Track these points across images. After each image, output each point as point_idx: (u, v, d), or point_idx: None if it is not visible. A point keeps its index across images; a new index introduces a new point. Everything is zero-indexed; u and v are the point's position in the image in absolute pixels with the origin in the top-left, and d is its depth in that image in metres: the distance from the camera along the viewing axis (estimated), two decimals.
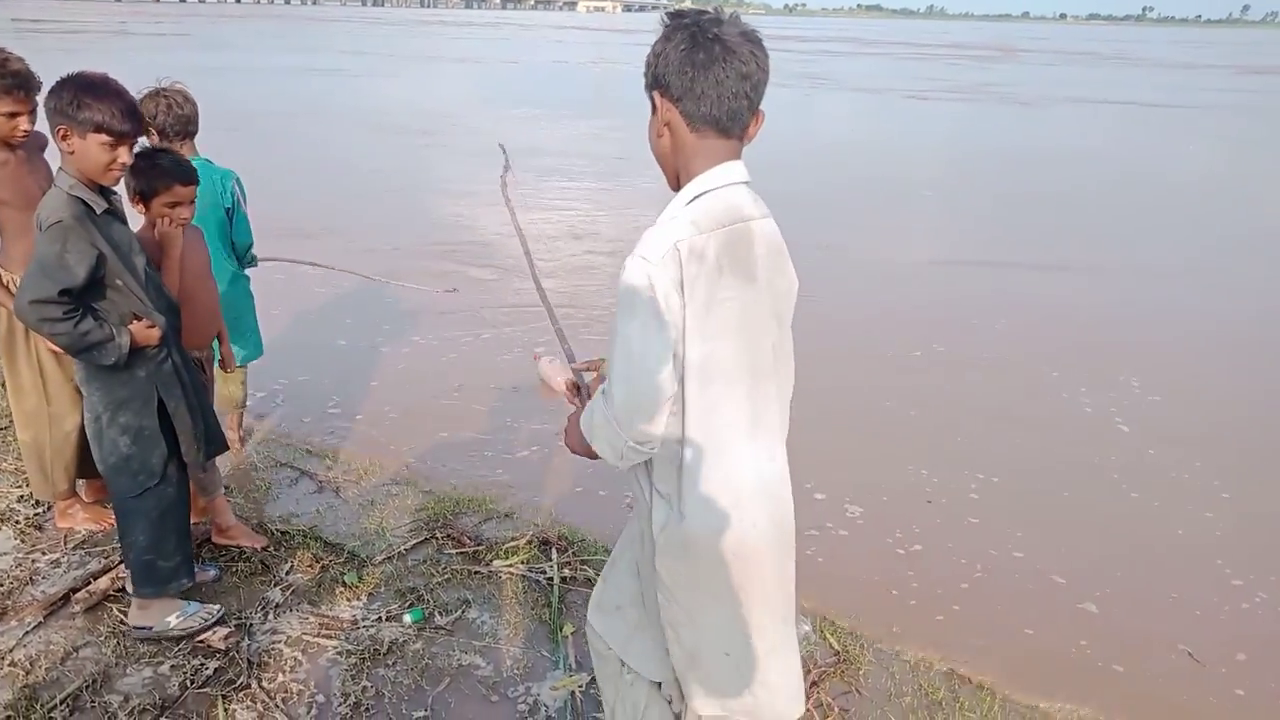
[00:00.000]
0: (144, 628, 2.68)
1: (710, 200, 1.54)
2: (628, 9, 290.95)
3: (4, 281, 2.85)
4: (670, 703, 1.85)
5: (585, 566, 3.09)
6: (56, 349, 2.81)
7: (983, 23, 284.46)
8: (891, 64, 39.53)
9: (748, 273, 1.55)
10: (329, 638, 2.73)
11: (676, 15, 1.54)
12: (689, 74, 1.50)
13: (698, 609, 1.67)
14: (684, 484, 1.60)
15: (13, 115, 2.74)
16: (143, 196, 2.75)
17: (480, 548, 3.19)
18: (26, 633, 2.69)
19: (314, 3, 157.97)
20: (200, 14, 67.65)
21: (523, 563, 3.10)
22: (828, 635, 2.85)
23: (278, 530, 3.24)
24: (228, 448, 2.91)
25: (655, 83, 1.56)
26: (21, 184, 2.79)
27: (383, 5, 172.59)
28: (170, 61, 23.23)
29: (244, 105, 15.75)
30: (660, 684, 1.85)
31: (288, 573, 3.02)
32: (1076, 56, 52.36)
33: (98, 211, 2.34)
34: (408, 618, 2.81)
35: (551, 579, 3.00)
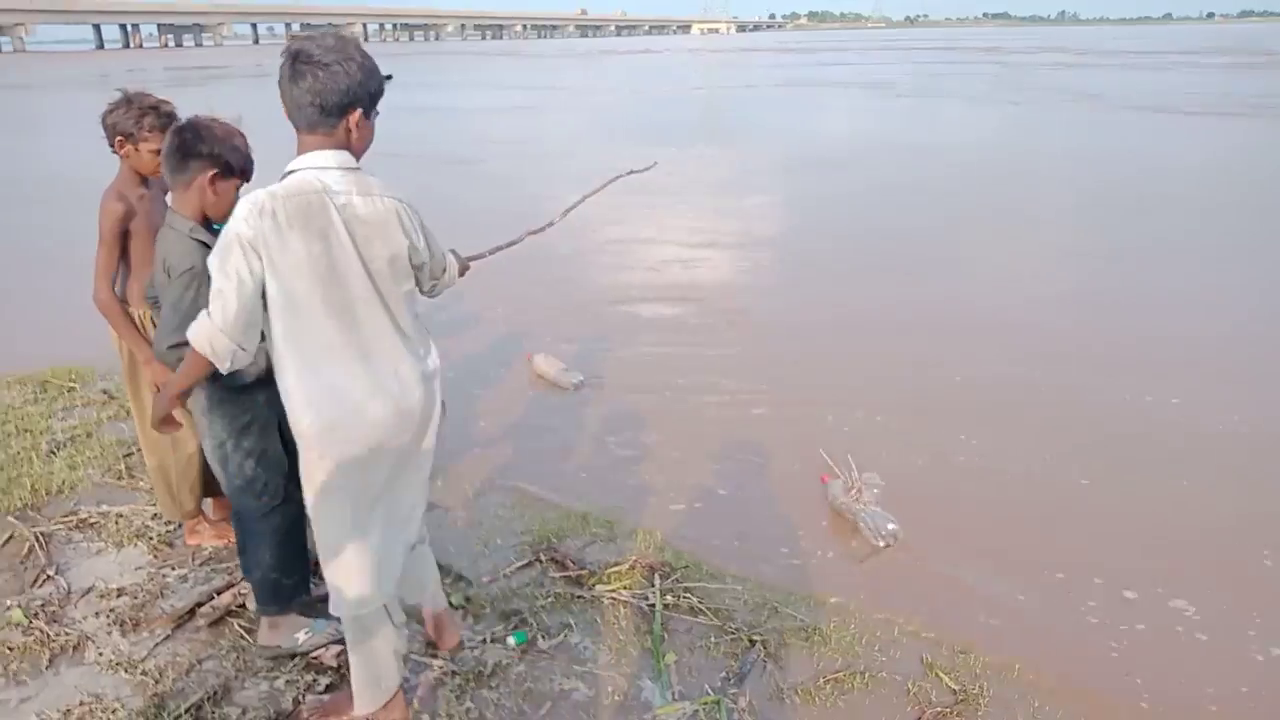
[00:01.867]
0: (275, 646, 2.78)
1: (294, 177, 1.99)
2: (741, 29, 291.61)
3: (136, 320, 3.03)
4: None
5: (689, 594, 3.03)
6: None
7: (1121, 27, 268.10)
8: (1142, 76, 33.68)
9: (318, 231, 1.96)
10: (435, 657, 2.76)
11: (292, 40, 2.01)
12: (282, 89, 1.99)
13: (311, 497, 2.14)
14: (287, 392, 2.05)
15: (159, 152, 2.94)
16: None
17: (583, 572, 3.17)
18: (156, 644, 2.83)
19: (436, 38, 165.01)
20: None
21: (625, 588, 3.06)
22: None
23: None
24: None
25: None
26: (152, 219, 2.97)
27: (500, 38, 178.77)
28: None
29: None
30: None
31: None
32: None
33: None
34: (511, 640, 2.81)
35: (654, 606, 2.96)
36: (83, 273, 3.03)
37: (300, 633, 2.78)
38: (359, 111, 2.02)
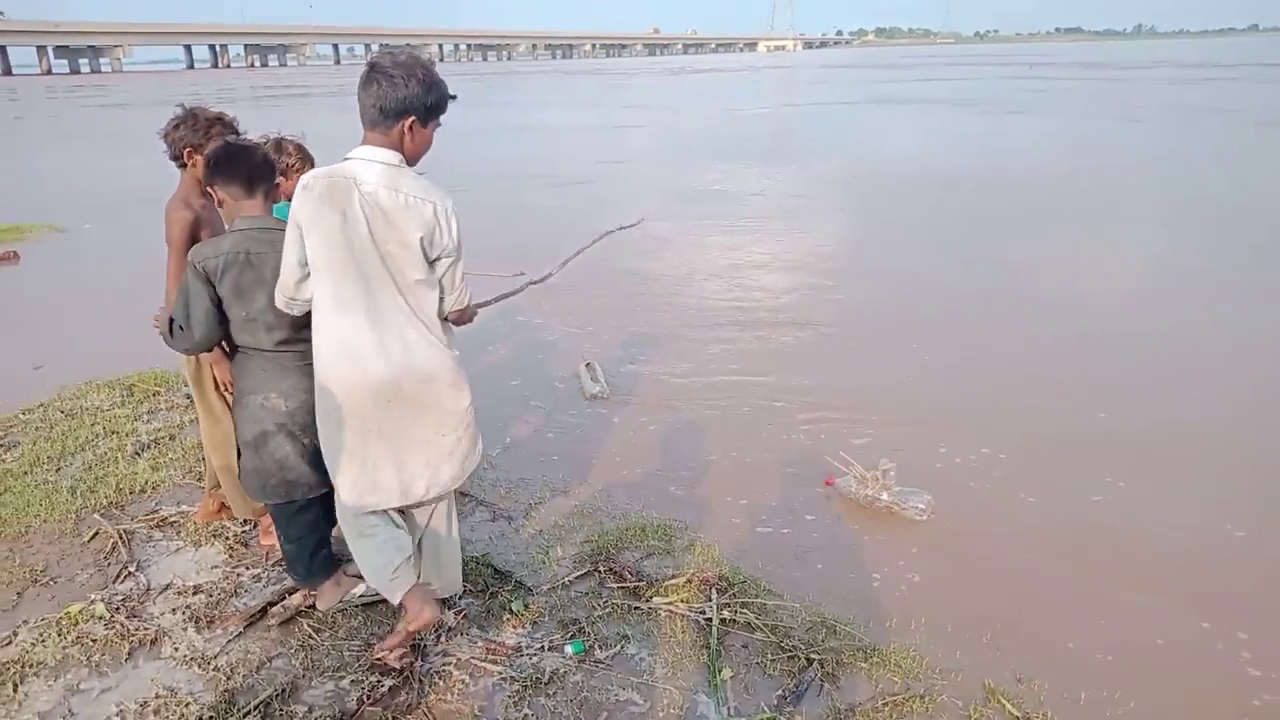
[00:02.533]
0: (335, 602, 3.05)
1: (343, 162, 2.41)
2: (808, 46, 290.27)
3: None
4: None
5: (745, 609, 3.02)
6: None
7: (1205, 39, 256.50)
8: (1271, 89, 31.71)
9: (340, 209, 2.34)
10: (494, 663, 2.80)
11: (376, 54, 2.41)
12: (358, 92, 2.39)
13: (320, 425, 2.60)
14: (314, 336, 2.51)
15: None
16: None
17: (641, 583, 3.19)
18: (229, 641, 2.93)
19: (508, 58, 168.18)
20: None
21: (682, 601, 3.07)
22: None
23: None
24: None
25: None
26: (215, 226, 3.17)
27: (570, 57, 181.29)
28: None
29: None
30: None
31: (460, 597, 3.14)
32: None
33: None
34: (569, 649, 2.84)
35: (711, 620, 2.96)
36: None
37: (358, 589, 3.01)
38: (413, 118, 2.38)
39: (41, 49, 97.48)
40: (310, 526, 2.93)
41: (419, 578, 2.77)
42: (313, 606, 3.06)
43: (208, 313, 2.64)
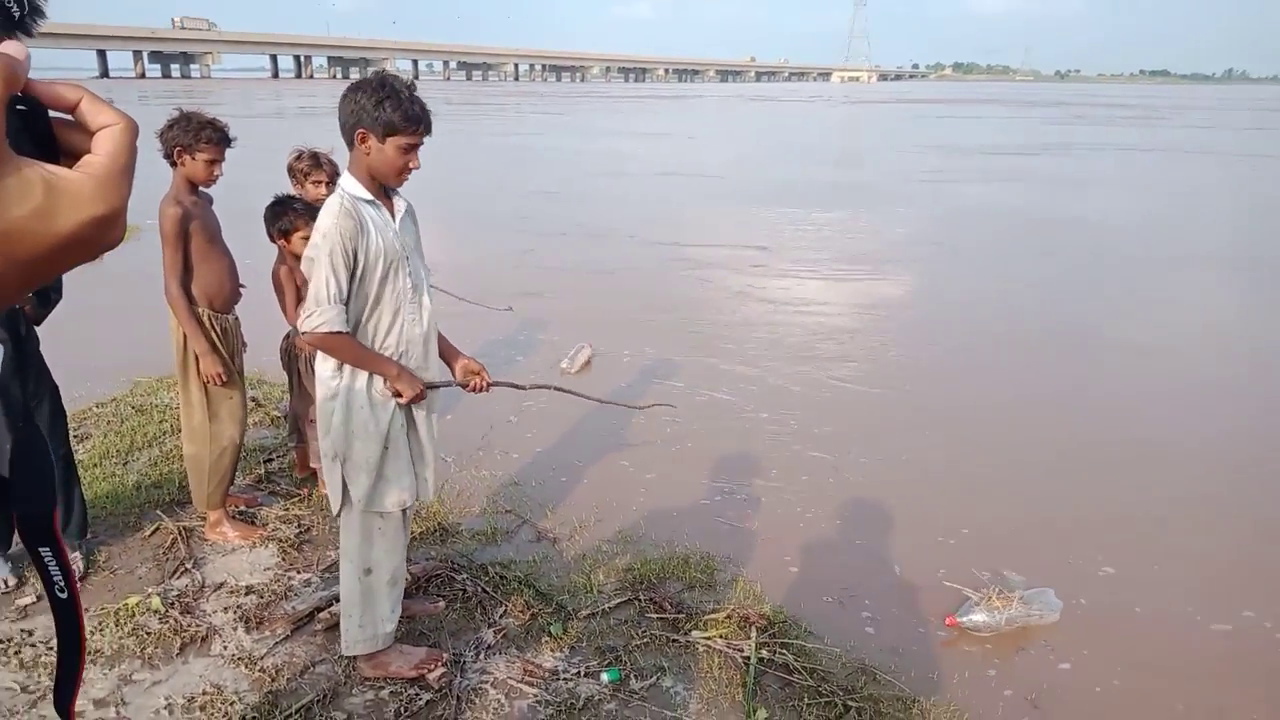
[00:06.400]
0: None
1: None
2: (883, 78, 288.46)
3: (199, 313, 3.41)
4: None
5: (785, 650, 2.99)
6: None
7: None
8: None
9: None
10: (531, 685, 2.82)
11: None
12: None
13: None
14: None
15: (212, 163, 3.33)
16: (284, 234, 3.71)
17: (680, 616, 3.18)
18: (276, 643, 3.01)
19: (581, 79, 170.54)
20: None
21: (721, 637, 3.05)
22: None
23: (497, 574, 3.42)
24: None
25: None
26: (206, 224, 3.37)
27: (642, 80, 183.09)
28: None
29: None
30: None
31: (501, 616, 3.17)
32: None
33: None
34: (605, 676, 2.85)
35: (749, 658, 2.94)
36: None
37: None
38: (362, 130, 2.39)
39: (137, 54, 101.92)
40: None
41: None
42: None
43: None
